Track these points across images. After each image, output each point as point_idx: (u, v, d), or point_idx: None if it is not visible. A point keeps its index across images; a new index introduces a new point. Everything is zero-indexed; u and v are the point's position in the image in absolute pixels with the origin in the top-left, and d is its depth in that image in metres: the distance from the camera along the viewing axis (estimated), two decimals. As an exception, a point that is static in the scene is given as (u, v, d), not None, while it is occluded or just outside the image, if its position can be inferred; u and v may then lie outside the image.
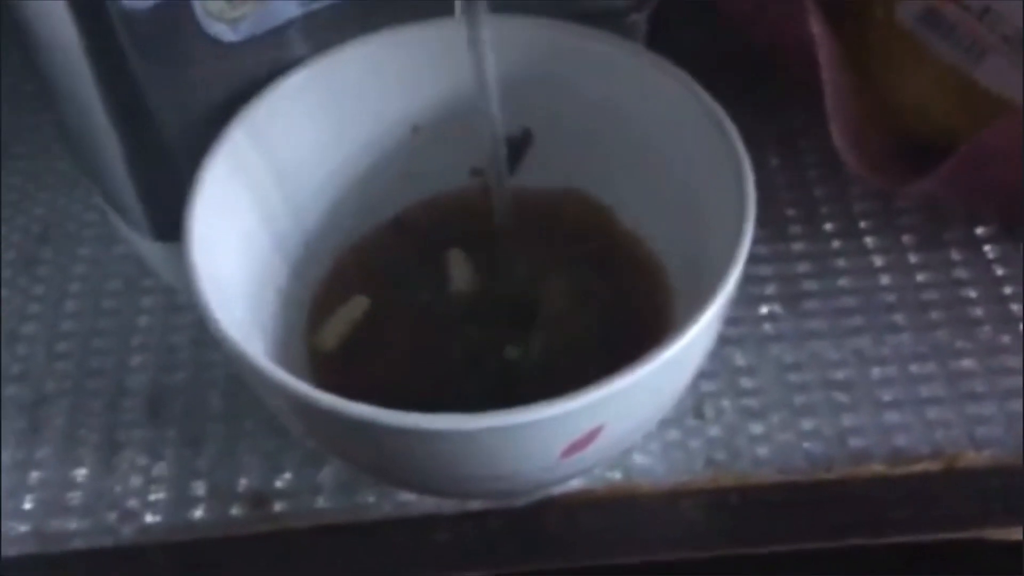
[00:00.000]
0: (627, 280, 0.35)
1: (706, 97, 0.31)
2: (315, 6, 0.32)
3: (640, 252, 0.35)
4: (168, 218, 0.35)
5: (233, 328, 0.28)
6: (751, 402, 0.36)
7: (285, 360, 0.32)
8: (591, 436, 0.27)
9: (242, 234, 0.32)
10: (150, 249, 0.38)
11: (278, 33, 0.33)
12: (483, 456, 0.27)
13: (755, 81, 0.41)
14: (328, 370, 0.33)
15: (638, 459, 0.34)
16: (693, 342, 0.27)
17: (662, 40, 0.38)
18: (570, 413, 0.26)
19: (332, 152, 0.35)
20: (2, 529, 0.34)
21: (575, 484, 0.34)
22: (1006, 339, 0.36)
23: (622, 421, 0.28)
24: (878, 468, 0.33)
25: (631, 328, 0.33)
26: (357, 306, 0.35)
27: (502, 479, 0.29)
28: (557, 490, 0.34)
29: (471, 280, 0.35)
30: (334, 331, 0.34)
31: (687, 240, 0.32)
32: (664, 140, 0.33)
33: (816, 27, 0.33)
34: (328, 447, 0.31)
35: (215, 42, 0.31)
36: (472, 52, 0.31)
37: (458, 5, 0.32)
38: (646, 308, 0.34)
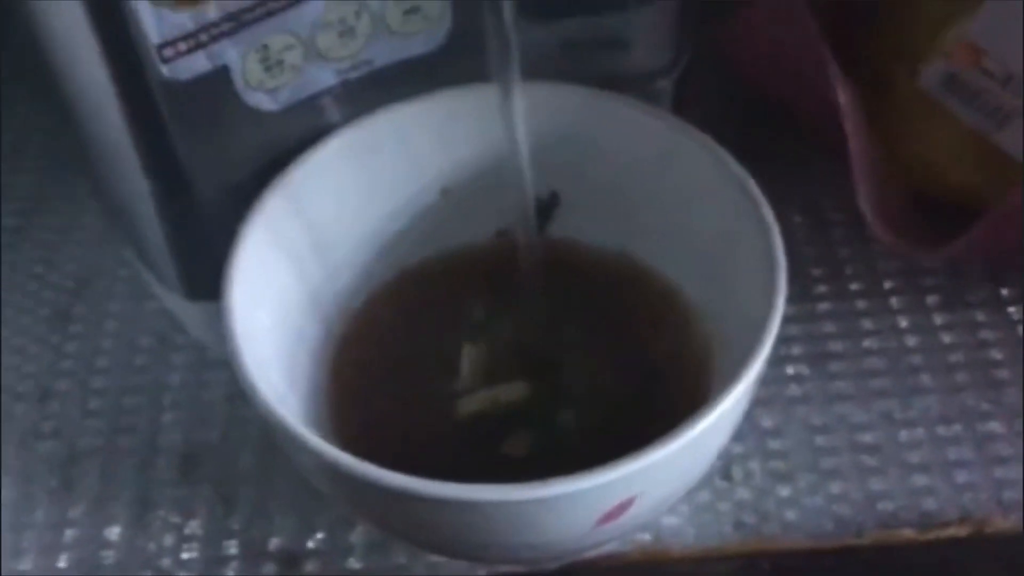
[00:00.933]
0: (660, 338, 0.35)
1: (733, 162, 0.32)
2: (350, 75, 0.33)
3: (674, 311, 0.35)
4: (201, 278, 0.36)
5: (269, 392, 0.28)
6: (779, 464, 0.36)
7: (315, 419, 0.32)
8: (625, 505, 0.27)
9: (278, 296, 0.33)
10: (182, 307, 0.38)
11: (314, 101, 0.33)
12: (518, 525, 0.27)
13: (779, 139, 0.42)
14: (351, 427, 0.34)
15: (667, 521, 0.35)
16: (729, 411, 0.27)
17: (688, 103, 0.39)
18: (606, 484, 0.26)
19: (364, 215, 0.36)
20: (35, 587, 0.35)
21: (606, 547, 0.34)
22: (1032, 401, 0.37)
23: (657, 490, 0.28)
24: (908, 534, 0.34)
25: (665, 388, 0.33)
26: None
27: (535, 547, 0.29)
28: (588, 554, 0.34)
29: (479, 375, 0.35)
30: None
31: (720, 300, 0.33)
32: (691, 203, 0.34)
33: (843, 97, 0.33)
34: (360, 513, 0.31)
35: (254, 111, 0.32)
36: (504, 116, 0.32)
37: (493, 69, 0.33)
38: (681, 367, 0.34)
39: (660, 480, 0.28)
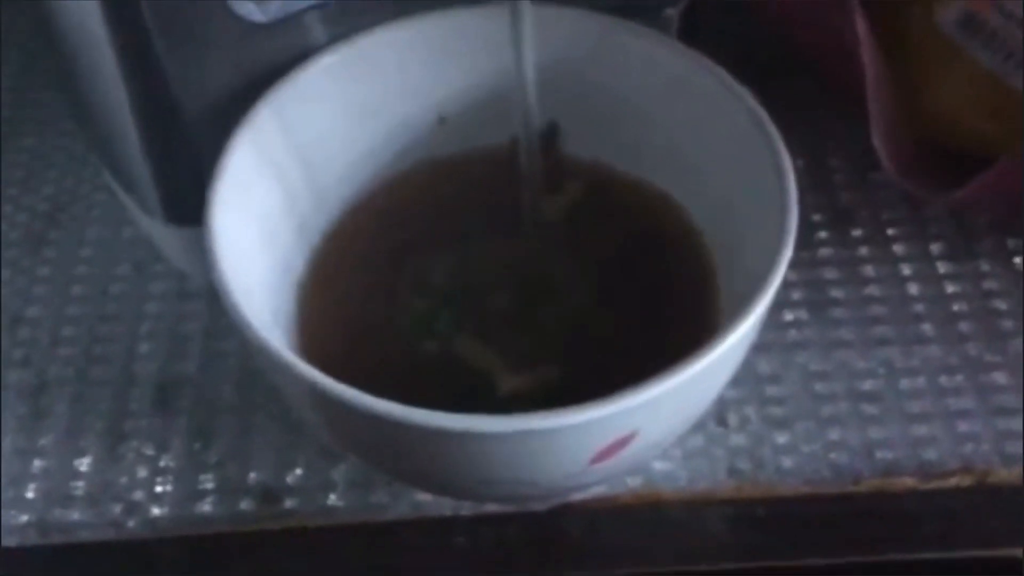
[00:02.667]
0: (666, 265, 0.33)
1: (746, 95, 0.31)
2: (345, -11, 0.32)
3: (681, 238, 0.34)
4: (182, 202, 0.35)
5: (255, 318, 0.27)
6: (776, 411, 0.35)
7: (296, 349, 0.31)
8: (623, 442, 0.26)
9: (264, 221, 0.31)
10: (162, 233, 0.37)
11: (306, 16, 0.31)
12: (511, 460, 0.26)
13: (783, 82, 0.40)
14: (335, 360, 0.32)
15: (659, 465, 0.34)
16: (735, 346, 0.26)
17: (692, 37, 0.37)
18: (604, 418, 0.25)
19: (355, 138, 0.34)
20: (2, 518, 0.33)
21: (596, 490, 0.33)
22: (1037, 353, 0.36)
23: (655, 428, 0.27)
24: (908, 482, 0.33)
25: (668, 318, 0.32)
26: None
27: (527, 484, 0.28)
28: (577, 496, 0.33)
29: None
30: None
31: (729, 232, 0.31)
32: (701, 133, 0.32)
33: (861, 27, 0.32)
34: (346, 444, 0.30)
35: (242, 22, 0.30)
36: (512, 38, 0.30)
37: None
38: (686, 297, 0.32)
39: (661, 416, 0.26)
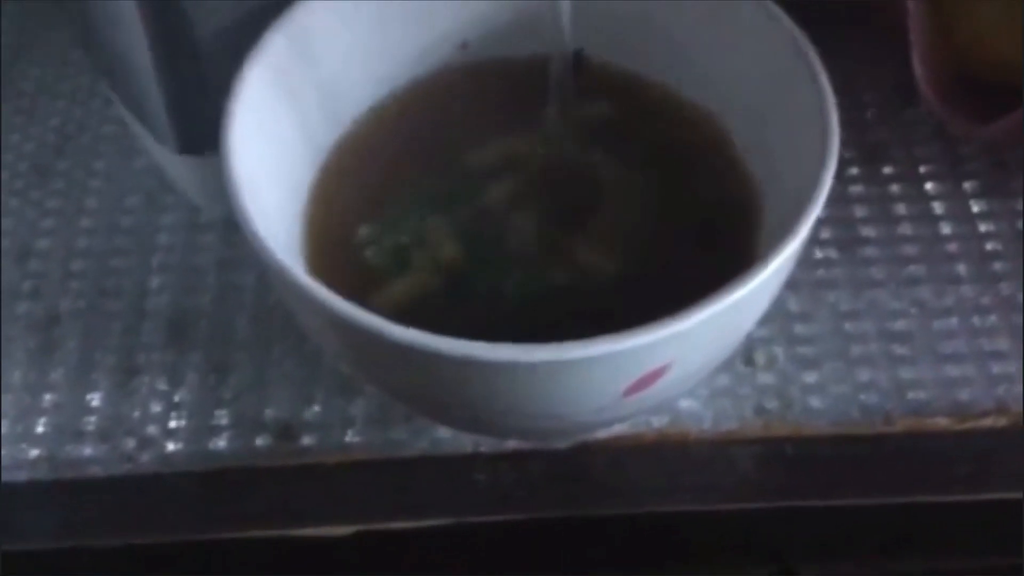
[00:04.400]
0: (708, 184, 0.32)
1: (786, 19, 0.29)
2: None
3: (721, 157, 0.32)
4: (196, 130, 0.34)
5: (275, 245, 0.26)
6: (805, 350, 0.34)
7: (313, 272, 0.30)
8: (657, 374, 0.25)
9: (280, 145, 0.30)
10: (174, 162, 0.36)
11: (325, -66, 0.30)
12: (541, 391, 0.25)
13: (813, 16, 0.39)
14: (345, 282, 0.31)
15: (684, 404, 0.33)
16: (770, 279, 0.25)
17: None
18: (639, 348, 0.24)
19: (375, 65, 0.33)
20: (12, 452, 0.32)
21: (619, 428, 0.32)
22: (1071, 293, 0.35)
23: (690, 359, 0.26)
24: (941, 423, 0.32)
25: (707, 239, 0.31)
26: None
27: (557, 417, 0.27)
28: (600, 434, 0.32)
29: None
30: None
31: (769, 159, 0.30)
32: (742, 56, 0.31)
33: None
34: (367, 374, 0.29)
35: (259, -59, 0.29)
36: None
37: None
38: (725, 219, 0.31)
39: (697, 347, 0.26)
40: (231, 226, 0.37)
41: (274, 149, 0.30)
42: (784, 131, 0.29)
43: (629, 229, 0.31)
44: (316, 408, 0.33)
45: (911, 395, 0.33)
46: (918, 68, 0.32)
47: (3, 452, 0.32)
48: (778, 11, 0.30)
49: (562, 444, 0.32)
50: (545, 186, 0.32)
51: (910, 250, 0.36)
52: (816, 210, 0.26)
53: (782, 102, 0.29)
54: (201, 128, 0.33)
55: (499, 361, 0.24)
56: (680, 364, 0.26)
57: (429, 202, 0.32)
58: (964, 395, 0.33)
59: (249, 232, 0.26)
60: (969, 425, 0.32)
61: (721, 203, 0.31)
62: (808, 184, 0.26)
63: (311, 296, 0.25)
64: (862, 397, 0.33)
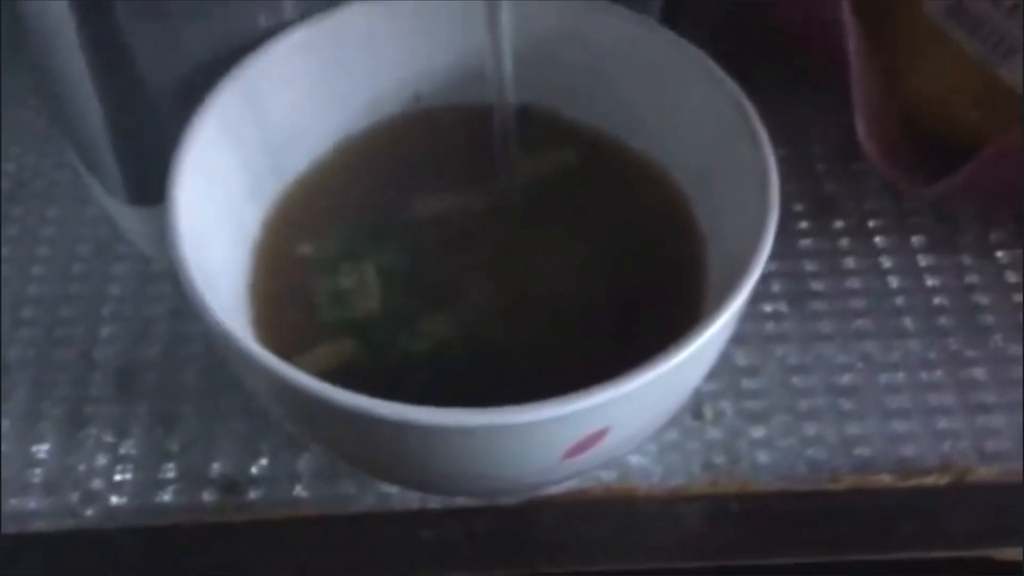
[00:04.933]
0: (655, 241, 0.32)
1: (728, 82, 0.30)
2: (316, -37, 0.30)
3: (669, 210, 0.32)
4: (145, 181, 0.33)
5: (220, 308, 0.26)
6: (753, 404, 0.34)
7: (256, 326, 0.30)
8: (596, 438, 0.26)
9: (227, 199, 0.30)
10: (125, 213, 0.35)
11: (274, -10, 0.30)
12: (479, 455, 0.25)
13: (764, 69, 0.39)
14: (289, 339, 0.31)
15: (633, 459, 0.33)
16: (710, 342, 0.25)
17: (675, 20, 0.37)
18: (578, 413, 0.24)
19: (325, 116, 0.33)
20: (-44, 505, 0.32)
21: (568, 484, 0.32)
22: (1017, 349, 0.35)
23: (630, 423, 0.26)
24: (886, 479, 0.32)
25: (655, 298, 0.31)
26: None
27: (496, 479, 0.27)
28: (549, 490, 0.32)
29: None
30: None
31: (714, 217, 0.31)
32: (684, 115, 0.31)
33: (847, 14, 0.31)
34: (311, 435, 0.29)
35: (209, -5, 0.29)
36: (488, 18, 0.29)
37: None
38: (674, 276, 0.31)
39: (636, 411, 0.26)
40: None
41: (220, 201, 0.30)
42: (728, 188, 0.30)
43: (572, 286, 0.31)
44: (263, 462, 0.33)
45: (857, 451, 0.33)
46: (861, 127, 0.32)
47: (-54, 505, 0.32)
48: (720, 73, 0.30)
49: (510, 501, 0.32)
50: (488, 241, 0.32)
51: (858, 304, 0.36)
52: (756, 273, 0.26)
53: (726, 160, 0.30)
54: (151, 179, 0.33)
55: (436, 425, 0.24)
56: (620, 427, 0.26)
57: (372, 253, 0.32)
58: (909, 451, 0.33)
59: (189, 289, 0.26)
60: (914, 482, 0.32)
61: (668, 259, 0.31)
62: (750, 242, 0.27)
63: (248, 356, 0.25)
64: (809, 452, 0.33)
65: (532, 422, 0.24)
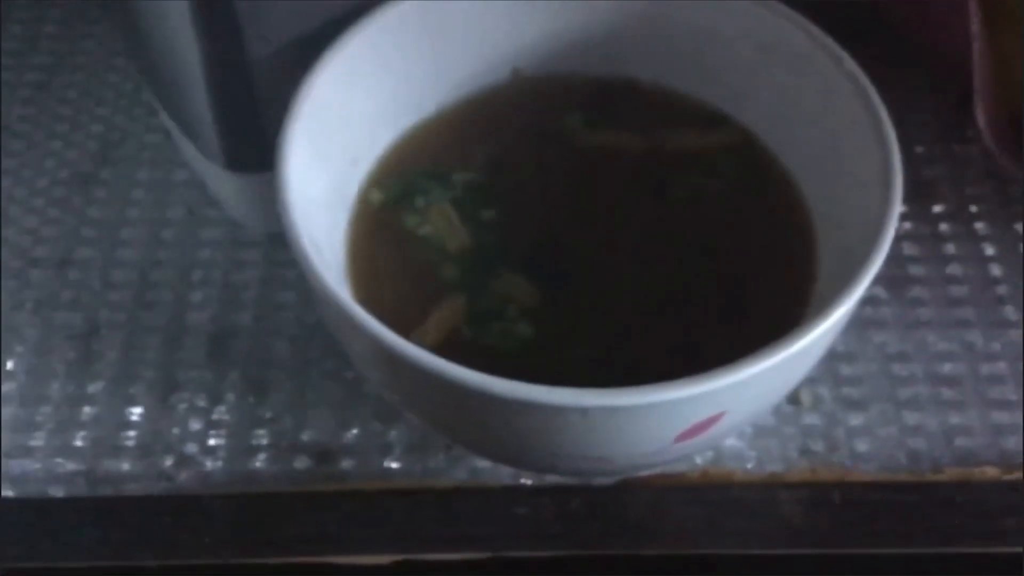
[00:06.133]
0: (765, 228, 0.31)
1: (848, 59, 0.29)
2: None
3: (785, 201, 0.32)
4: (244, 148, 0.33)
5: (327, 273, 0.26)
6: (851, 391, 0.33)
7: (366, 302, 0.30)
8: (711, 422, 0.25)
9: (331, 172, 0.30)
10: (220, 179, 0.35)
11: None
12: (592, 436, 0.25)
13: (862, 48, 0.38)
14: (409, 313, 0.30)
15: (728, 442, 0.32)
16: (829, 330, 0.25)
17: None
18: (697, 397, 0.23)
19: (424, 90, 0.33)
20: (48, 466, 0.32)
21: (662, 467, 0.32)
22: (1123, 342, 0.34)
23: (745, 407, 0.26)
24: (989, 471, 0.31)
25: (758, 287, 0.30)
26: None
27: (606, 460, 0.27)
28: (643, 472, 0.32)
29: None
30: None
31: (828, 199, 0.30)
32: (799, 94, 0.31)
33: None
34: (410, 404, 0.29)
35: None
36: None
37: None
38: (782, 265, 0.30)
39: (753, 396, 0.25)
40: (274, 244, 0.37)
41: (325, 170, 0.30)
42: (845, 175, 0.29)
43: (678, 264, 0.30)
44: (355, 432, 0.33)
45: (959, 441, 0.32)
46: (980, 109, 0.32)
47: (39, 466, 0.32)
48: (840, 51, 0.29)
49: (605, 481, 0.31)
50: (591, 214, 0.32)
51: (959, 291, 0.35)
52: (877, 263, 0.25)
53: (844, 145, 0.29)
54: (250, 146, 0.33)
55: (552, 405, 0.23)
56: (734, 412, 0.25)
57: (487, 229, 0.31)
58: (1012, 443, 0.32)
59: (302, 259, 0.26)
60: (1017, 475, 0.31)
61: (778, 243, 0.31)
62: (869, 231, 0.26)
63: (365, 329, 0.24)
64: (909, 442, 0.32)
65: (652, 404, 0.23)
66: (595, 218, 0.31)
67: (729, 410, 0.25)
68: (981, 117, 0.32)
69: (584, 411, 0.24)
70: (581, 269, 0.30)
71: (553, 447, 0.26)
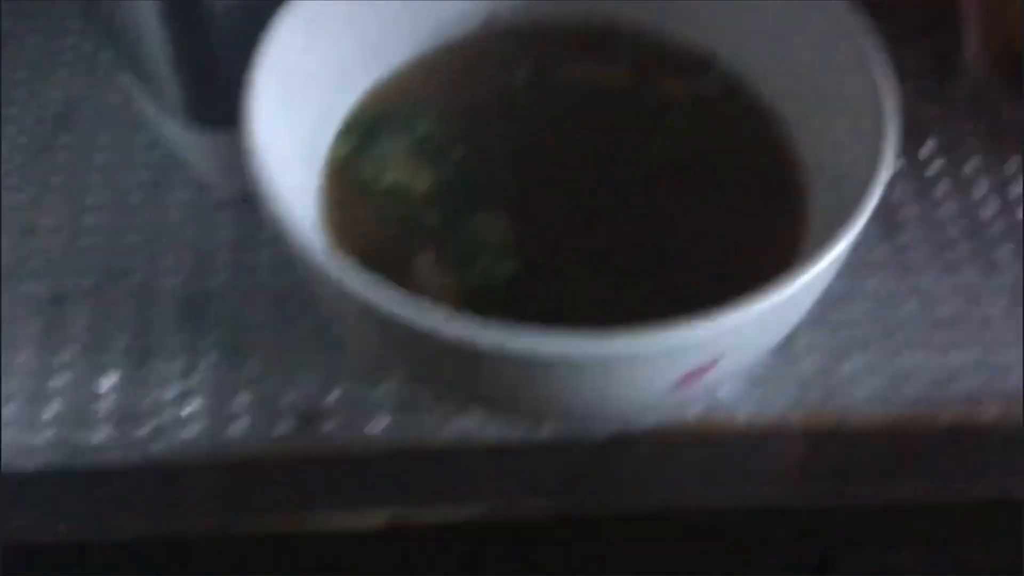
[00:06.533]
0: (755, 171, 0.30)
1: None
2: None
3: (768, 138, 0.31)
4: (208, 102, 0.32)
5: (300, 227, 0.24)
6: (845, 336, 0.33)
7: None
8: (707, 368, 0.24)
9: (299, 125, 0.29)
10: (184, 137, 0.34)
11: None
12: (590, 384, 0.24)
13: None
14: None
15: (721, 393, 0.31)
16: (829, 267, 0.24)
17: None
18: (696, 340, 0.23)
19: (396, 37, 0.32)
20: (19, 438, 0.31)
21: (656, 417, 0.31)
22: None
23: (743, 352, 0.25)
24: (988, 415, 0.31)
25: (751, 226, 0.29)
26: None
27: (598, 408, 0.26)
28: (637, 424, 0.31)
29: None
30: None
31: (820, 137, 0.29)
32: (792, 29, 0.30)
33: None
34: (396, 361, 0.28)
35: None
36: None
37: None
38: (772, 202, 0.29)
39: (750, 340, 0.24)
40: (244, 204, 0.35)
41: (293, 124, 0.29)
42: (838, 119, 0.28)
43: (666, 208, 0.29)
44: (338, 393, 0.32)
45: (956, 385, 0.32)
46: (971, 40, 0.31)
47: (9, 438, 0.31)
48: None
49: (599, 434, 0.31)
50: (585, 162, 0.30)
51: (952, 231, 0.35)
52: (873, 202, 0.24)
53: (834, 85, 0.28)
54: (213, 101, 0.32)
55: (543, 355, 0.22)
56: (731, 357, 0.24)
57: (458, 170, 0.30)
58: (1010, 383, 0.32)
59: (274, 216, 0.25)
60: (1016, 415, 0.31)
61: (766, 191, 0.30)
62: (861, 177, 0.25)
63: (343, 284, 0.23)
64: (906, 386, 0.32)
65: (648, 350, 0.22)
66: (576, 159, 0.30)
67: (725, 354, 0.24)
68: (972, 48, 0.31)
69: (575, 360, 0.23)
70: (561, 208, 0.29)
71: (544, 397, 0.25)
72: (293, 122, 0.28)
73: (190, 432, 0.31)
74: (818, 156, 0.29)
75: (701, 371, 0.24)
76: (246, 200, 0.35)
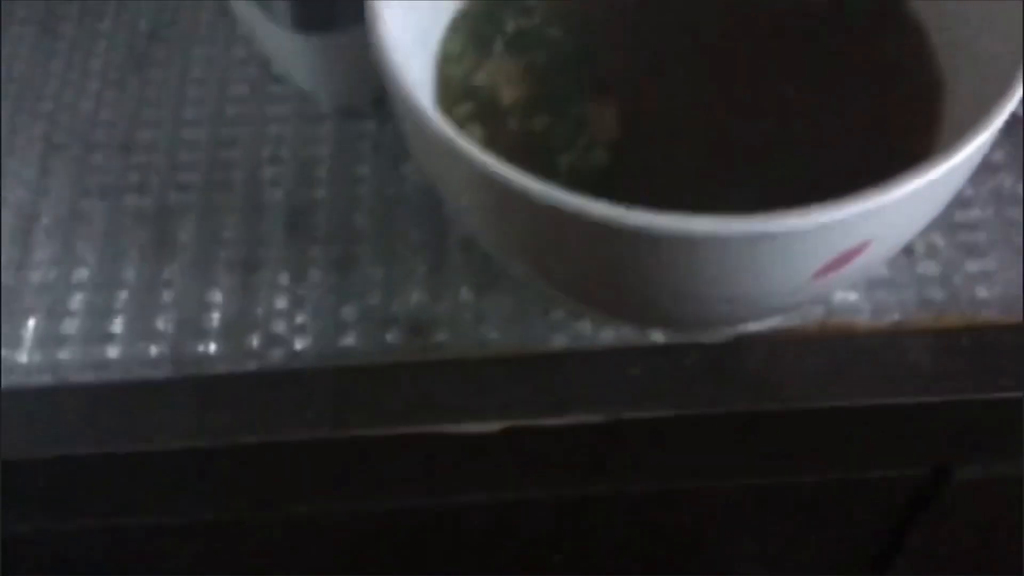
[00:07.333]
0: (892, 62, 0.29)
1: None
2: None
3: (910, 39, 0.29)
4: (314, 5, 0.31)
5: (429, 109, 0.24)
6: (968, 237, 0.32)
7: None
8: (852, 254, 0.23)
9: (418, 21, 0.28)
10: (288, 45, 0.33)
11: None
12: (727, 271, 0.23)
13: None
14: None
15: (839, 296, 0.31)
16: (977, 151, 0.23)
17: None
18: (845, 222, 0.22)
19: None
20: (132, 351, 0.31)
21: (773, 321, 0.30)
22: None
23: (891, 237, 0.24)
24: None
25: (891, 118, 0.28)
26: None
27: (735, 301, 0.25)
28: (754, 327, 0.30)
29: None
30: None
31: (958, 35, 0.28)
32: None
33: None
34: (518, 249, 0.27)
35: None
36: None
37: None
38: (908, 96, 0.28)
39: (898, 224, 0.23)
40: (343, 118, 0.35)
41: (409, 16, 0.28)
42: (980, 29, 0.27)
43: (799, 107, 0.28)
44: (447, 303, 0.31)
45: (1085, 282, 0.31)
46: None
47: (123, 350, 0.31)
48: None
49: (717, 338, 0.30)
50: (719, 52, 0.29)
51: (1076, 131, 0.33)
52: (1018, 90, 0.23)
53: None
54: (319, 4, 0.31)
55: (684, 233, 0.22)
56: (879, 243, 0.24)
57: (567, 59, 0.29)
58: None
59: (405, 98, 0.24)
60: None
61: (901, 88, 0.28)
62: (998, 77, 0.24)
63: (480, 167, 0.23)
64: (1031, 285, 0.31)
65: (796, 230, 0.22)
66: (706, 53, 0.29)
67: (875, 238, 0.23)
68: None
69: (724, 240, 0.22)
70: (681, 97, 0.28)
71: (679, 286, 0.24)
72: (409, 18, 0.28)
73: (302, 342, 0.31)
74: (956, 63, 0.28)
75: (849, 256, 0.23)
76: (344, 114, 0.35)
